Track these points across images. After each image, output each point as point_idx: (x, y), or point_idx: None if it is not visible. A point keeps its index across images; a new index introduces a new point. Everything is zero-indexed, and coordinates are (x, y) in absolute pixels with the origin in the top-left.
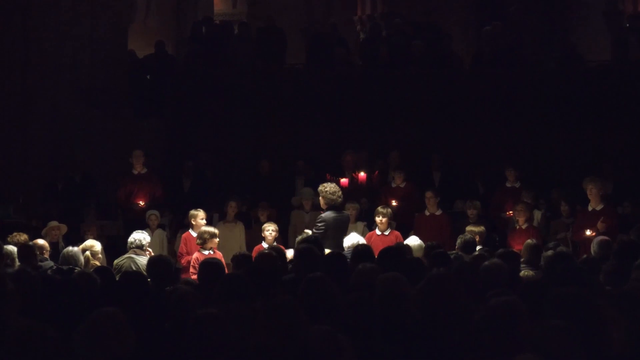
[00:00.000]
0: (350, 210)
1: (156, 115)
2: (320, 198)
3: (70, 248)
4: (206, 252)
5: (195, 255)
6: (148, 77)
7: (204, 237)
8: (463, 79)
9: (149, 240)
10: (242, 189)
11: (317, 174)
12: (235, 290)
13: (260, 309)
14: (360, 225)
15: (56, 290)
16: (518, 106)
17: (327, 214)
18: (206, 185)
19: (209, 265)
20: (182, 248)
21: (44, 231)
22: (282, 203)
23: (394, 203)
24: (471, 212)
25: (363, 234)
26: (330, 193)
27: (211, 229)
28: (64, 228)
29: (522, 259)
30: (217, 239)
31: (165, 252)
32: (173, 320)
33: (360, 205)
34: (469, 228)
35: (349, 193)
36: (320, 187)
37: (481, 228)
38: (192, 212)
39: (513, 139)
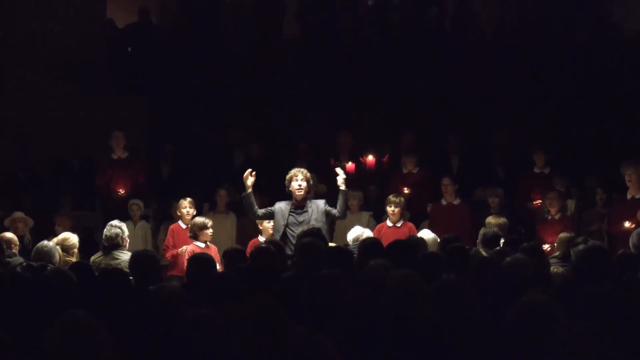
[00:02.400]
0: (352, 199)
1: (138, 93)
2: (305, 184)
3: (45, 242)
4: (202, 245)
5: (190, 247)
6: (129, 49)
7: (194, 229)
8: (484, 51)
9: (128, 233)
10: (233, 175)
11: (319, 159)
12: (227, 289)
13: (238, 311)
14: (365, 215)
15: (26, 289)
16: (546, 82)
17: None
18: (187, 171)
19: (197, 261)
20: (168, 240)
21: (7, 222)
22: (278, 191)
23: (405, 191)
24: (493, 201)
25: (368, 226)
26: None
27: (200, 220)
28: (30, 221)
29: (555, 254)
30: (209, 230)
31: (149, 247)
32: (157, 322)
33: (367, 194)
34: (489, 220)
35: (355, 180)
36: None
37: (502, 220)
38: (180, 201)
39: (541, 118)
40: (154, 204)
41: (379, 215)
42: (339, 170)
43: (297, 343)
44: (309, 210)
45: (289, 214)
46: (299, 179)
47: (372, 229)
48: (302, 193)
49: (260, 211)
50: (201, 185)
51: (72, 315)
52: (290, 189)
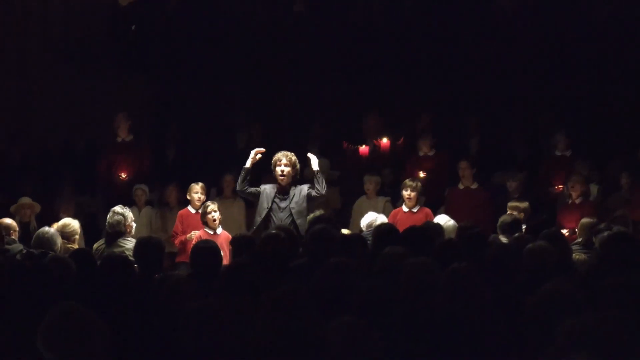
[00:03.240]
0: (368, 183)
1: (143, 72)
2: (288, 169)
3: (45, 229)
4: (211, 232)
5: (199, 233)
6: (133, 27)
7: (201, 214)
8: (504, 28)
9: (133, 219)
10: (236, 158)
11: (332, 141)
12: (236, 279)
13: (264, 301)
14: (382, 200)
15: (25, 278)
16: (568, 56)
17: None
18: (193, 154)
19: (201, 250)
20: (176, 226)
21: (13, 208)
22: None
23: (421, 175)
24: (511, 185)
25: (385, 212)
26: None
27: (207, 204)
28: (37, 206)
29: (577, 241)
30: (211, 215)
31: (155, 233)
32: (161, 313)
33: (381, 178)
34: (511, 204)
35: (369, 163)
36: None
37: (525, 204)
38: (192, 185)
39: (563, 97)
40: (160, 188)
41: (395, 201)
42: (310, 155)
43: (339, 336)
44: (291, 195)
45: (274, 199)
46: (282, 164)
47: (387, 214)
48: (284, 179)
49: (250, 189)
50: (207, 170)
51: (63, 306)
52: (274, 173)
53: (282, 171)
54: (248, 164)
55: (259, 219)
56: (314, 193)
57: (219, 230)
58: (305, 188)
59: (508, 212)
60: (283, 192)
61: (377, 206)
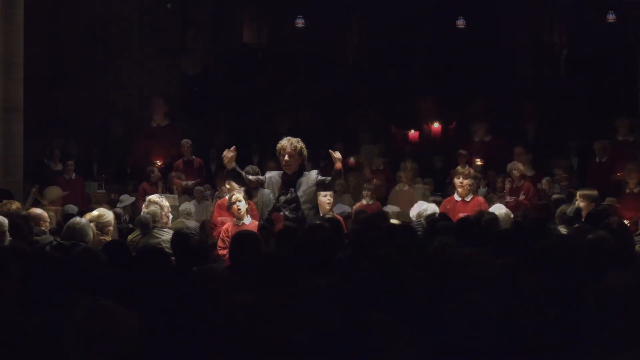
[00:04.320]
0: (406, 170)
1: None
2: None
3: (77, 219)
4: (239, 223)
5: (225, 226)
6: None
7: (227, 205)
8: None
9: (169, 209)
10: None
11: (381, 125)
12: (272, 271)
13: (301, 294)
14: (420, 188)
15: (54, 270)
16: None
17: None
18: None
19: (240, 239)
20: (215, 216)
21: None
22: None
23: (478, 162)
24: (557, 173)
25: (423, 198)
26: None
27: (232, 195)
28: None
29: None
30: (237, 205)
31: (193, 224)
32: (199, 307)
33: (433, 163)
34: (581, 192)
35: (417, 149)
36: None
37: (595, 193)
38: None
39: (622, 79)
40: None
41: (442, 187)
42: (337, 154)
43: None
44: (298, 184)
45: (280, 188)
46: (286, 152)
47: (425, 200)
48: (289, 168)
49: (251, 177)
50: (249, 157)
51: (92, 302)
52: (280, 161)
53: (287, 160)
54: (229, 167)
55: (266, 210)
56: (321, 179)
57: (247, 220)
58: (313, 175)
59: (576, 200)
60: (289, 180)
61: (415, 194)
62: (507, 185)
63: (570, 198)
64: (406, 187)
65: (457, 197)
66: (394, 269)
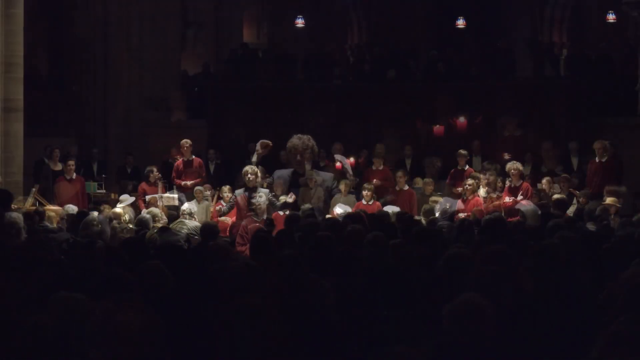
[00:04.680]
0: (431, 166)
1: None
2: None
3: (94, 215)
4: (258, 219)
5: (244, 222)
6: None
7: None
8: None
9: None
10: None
11: (407, 122)
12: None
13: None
14: (430, 183)
15: (69, 267)
16: None
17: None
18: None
19: (260, 238)
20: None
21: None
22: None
23: (506, 157)
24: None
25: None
26: None
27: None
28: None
29: None
30: (259, 201)
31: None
32: (221, 304)
33: (458, 158)
34: (609, 188)
35: (442, 143)
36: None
37: (623, 189)
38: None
39: (622, 79)
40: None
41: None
42: (340, 158)
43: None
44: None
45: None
46: (298, 151)
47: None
48: (301, 167)
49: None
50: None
51: (111, 300)
52: (292, 160)
53: (299, 160)
54: (254, 158)
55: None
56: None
57: (266, 216)
58: (329, 180)
59: (606, 196)
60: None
61: (427, 189)
62: (507, 185)
63: (571, 198)
64: (406, 187)
65: (483, 193)
66: (394, 268)
